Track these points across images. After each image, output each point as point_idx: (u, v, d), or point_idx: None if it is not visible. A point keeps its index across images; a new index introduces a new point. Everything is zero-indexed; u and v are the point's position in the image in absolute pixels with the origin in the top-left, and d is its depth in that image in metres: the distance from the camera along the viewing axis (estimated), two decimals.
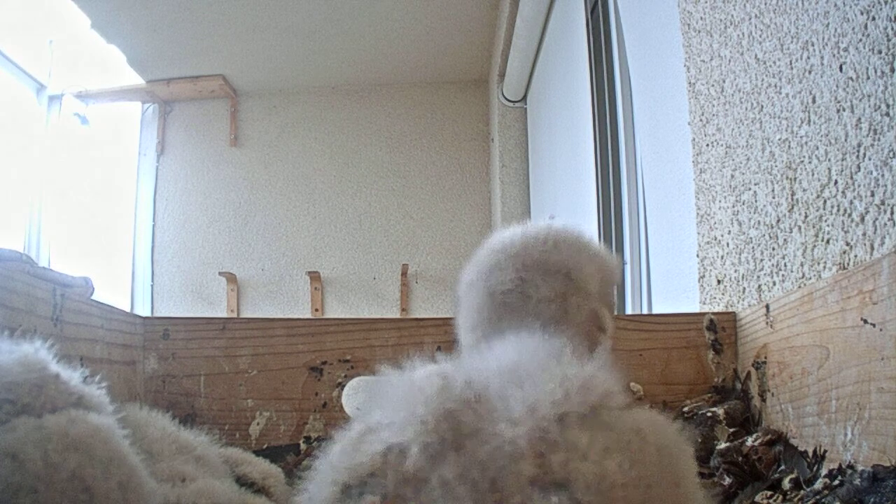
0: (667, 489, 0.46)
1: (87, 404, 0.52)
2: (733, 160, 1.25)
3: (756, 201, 1.16)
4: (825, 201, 0.94)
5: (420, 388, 0.48)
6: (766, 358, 1.03)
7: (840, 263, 0.90)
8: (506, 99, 4.17)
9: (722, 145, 1.30)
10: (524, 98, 4.11)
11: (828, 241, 0.94)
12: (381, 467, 0.45)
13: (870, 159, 0.83)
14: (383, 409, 0.49)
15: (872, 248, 0.83)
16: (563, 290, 0.63)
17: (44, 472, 0.46)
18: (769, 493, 0.87)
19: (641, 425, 0.47)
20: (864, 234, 0.85)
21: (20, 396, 0.49)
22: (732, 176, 1.25)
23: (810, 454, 0.87)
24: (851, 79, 0.87)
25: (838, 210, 0.91)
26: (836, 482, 0.77)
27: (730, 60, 1.25)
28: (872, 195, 0.83)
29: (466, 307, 0.66)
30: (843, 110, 0.89)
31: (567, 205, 3.02)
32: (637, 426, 0.47)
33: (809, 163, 0.98)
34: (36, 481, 0.46)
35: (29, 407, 0.49)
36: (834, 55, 0.91)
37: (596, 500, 0.42)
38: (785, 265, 1.07)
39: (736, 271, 1.24)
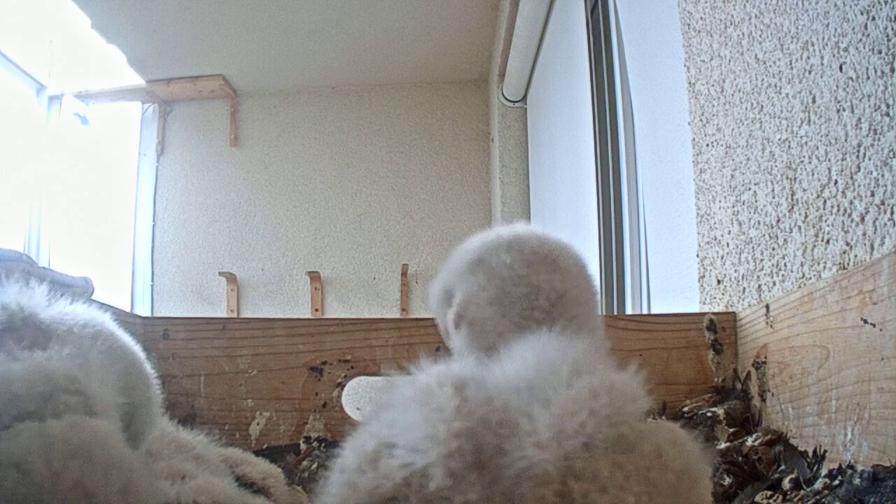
0: None
1: (92, 409, 0.52)
2: (733, 160, 1.25)
3: (756, 201, 1.16)
4: (825, 201, 0.94)
5: (438, 405, 0.47)
6: (766, 358, 1.03)
7: (840, 263, 0.90)
8: (506, 99, 4.16)
9: (722, 145, 1.30)
10: (524, 98, 4.11)
11: (828, 241, 0.94)
12: (403, 491, 0.45)
13: (870, 159, 0.83)
14: (398, 423, 0.48)
15: (872, 248, 0.83)
16: (590, 296, 0.66)
17: (48, 481, 0.46)
18: (769, 493, 0.87)
19: (662, 448, 0.48)
20: (864, 234, 0.85)
21: (25, 406, 0.49)
22: (732, 176, 1.25)
23: (810, 454, 0.87)
24: (851, 79, 0.87)
25: (838, 210, 0.91)
26: (836, 482, 0.77)
27: (730, 60, 1.25)
28: (872, 195, 0.83)
29: (488, 278, 0.63)
30: (843, 110, 0.89)
31: (567, 205, 3.02)
32: (658, 450, 0.48)
33: (809, 163, 0.98)
34: (40, 491, 0.45)
35: (33, 413, 0.49)
36: (834, 55, 0.91)
37: None
38: (785, 265, 1.06)
39: (736, 271, 1.24)
